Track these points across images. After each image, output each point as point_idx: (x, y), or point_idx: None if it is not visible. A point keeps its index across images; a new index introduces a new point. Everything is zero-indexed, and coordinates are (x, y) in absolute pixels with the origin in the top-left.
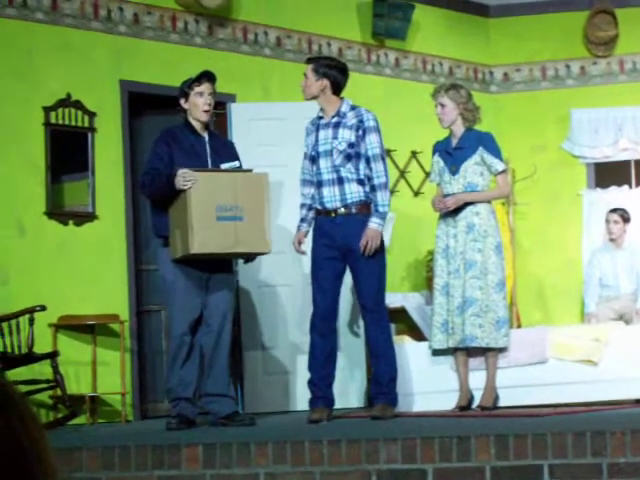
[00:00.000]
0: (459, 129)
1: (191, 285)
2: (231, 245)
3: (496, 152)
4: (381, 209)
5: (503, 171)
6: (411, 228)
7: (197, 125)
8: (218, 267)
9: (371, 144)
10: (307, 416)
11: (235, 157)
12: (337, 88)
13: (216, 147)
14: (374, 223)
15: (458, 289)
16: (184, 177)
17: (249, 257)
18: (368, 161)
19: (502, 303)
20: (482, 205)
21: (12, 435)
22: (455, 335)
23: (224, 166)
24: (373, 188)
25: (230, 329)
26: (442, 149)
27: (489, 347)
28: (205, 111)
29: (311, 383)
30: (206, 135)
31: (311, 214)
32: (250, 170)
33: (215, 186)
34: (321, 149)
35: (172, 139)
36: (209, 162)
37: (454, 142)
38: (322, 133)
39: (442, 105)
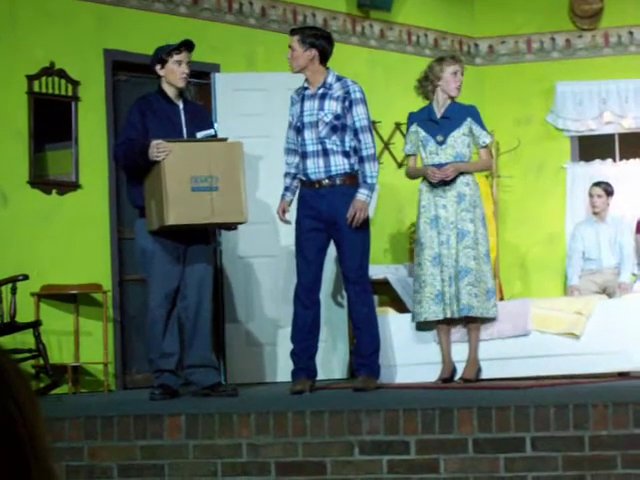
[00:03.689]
0: (444, 100)
1: (168, 256)
2: (207, 216)
3: (483, 125)
4: (369, 180)
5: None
6: (394, 200)
7: (172, 92)
8: (195, 239)
9: (358, 116)
10: (289, 387)
11: (210, 124)
12: (324, 58)
13: (191, 116)
14: (362, 194)
15: (450, 259)
16: (158, 148)
17: (228, 226)
18: (355, 133)
19: (490, 274)
20: (470, 176)
21: (7, 421)
22: (452, 305)
23: (199, 135)
24: (361, 160)
25: (209, 300)
26: (423, 118)
27: (482, 317)
28: (183, 78)
29: (294, 354)
30: (181, 103)
31: (295, 183)
32: (225, 139)
33: (190, 156)
34: (306, 120)
35: (147, 108)
36: (184, 131)
37: (439, 112)
38: (307, 104)
39: (461, 74)
